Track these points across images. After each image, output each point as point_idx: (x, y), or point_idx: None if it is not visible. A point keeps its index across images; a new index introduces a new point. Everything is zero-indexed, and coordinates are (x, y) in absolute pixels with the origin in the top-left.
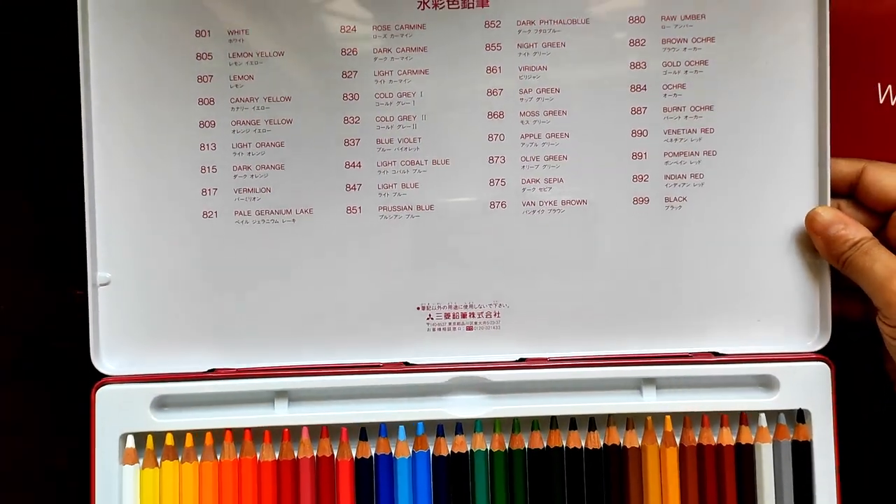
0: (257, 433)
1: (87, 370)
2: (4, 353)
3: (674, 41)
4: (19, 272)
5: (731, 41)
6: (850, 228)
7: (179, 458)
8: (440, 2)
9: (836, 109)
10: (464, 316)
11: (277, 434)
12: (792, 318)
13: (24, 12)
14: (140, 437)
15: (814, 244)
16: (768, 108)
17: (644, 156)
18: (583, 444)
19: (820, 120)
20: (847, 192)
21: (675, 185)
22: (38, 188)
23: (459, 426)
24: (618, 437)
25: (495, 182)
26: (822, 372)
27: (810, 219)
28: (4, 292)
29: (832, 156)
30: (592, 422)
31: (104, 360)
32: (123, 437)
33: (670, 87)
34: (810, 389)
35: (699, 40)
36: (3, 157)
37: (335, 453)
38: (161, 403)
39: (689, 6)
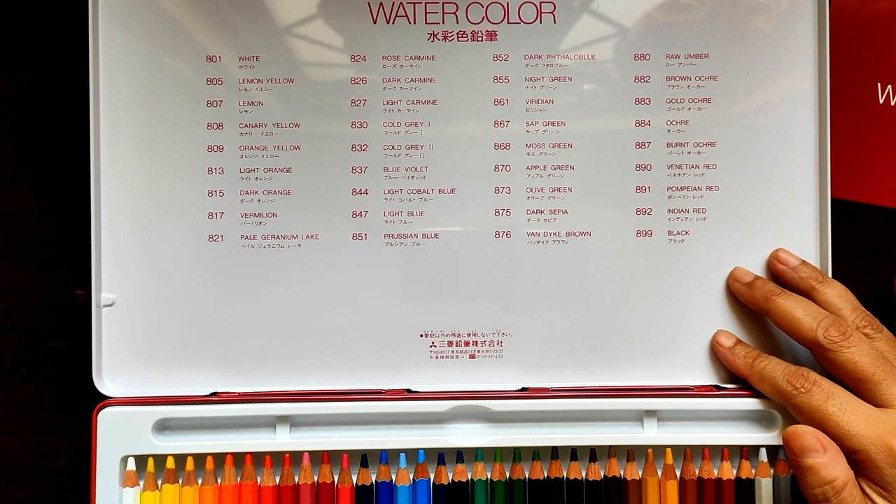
0: (258, 458)
1: (87, 371)
2: (4, 353)
3: (678, 79)
4: (19, 272)
5: (734, 80)
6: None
7: (180, 482)
8: (450, 34)
9: (837, 109)
10: (467, 344)
11: (278, 459)
12: (793, 353)
13: (36, 37)
14: (141, 460)
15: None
16: (770, 145)
17: (648, 189)
18: (583, 476)
19: (821, 156)
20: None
21: (678, 218)
22: (40, 187)
23: (460, 455)
24: (618, 468)
25: (501, 212)
26: None
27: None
28: (4, 292)
29: (832, 163)
30: (593, 453)
31: (106, 381)
32: (124, 460)
33: (674, 122)
34: None
35: (702, 78)
36: (5, 156)
37: (336, 479)
38: (163, 426)
39: (693, 45)
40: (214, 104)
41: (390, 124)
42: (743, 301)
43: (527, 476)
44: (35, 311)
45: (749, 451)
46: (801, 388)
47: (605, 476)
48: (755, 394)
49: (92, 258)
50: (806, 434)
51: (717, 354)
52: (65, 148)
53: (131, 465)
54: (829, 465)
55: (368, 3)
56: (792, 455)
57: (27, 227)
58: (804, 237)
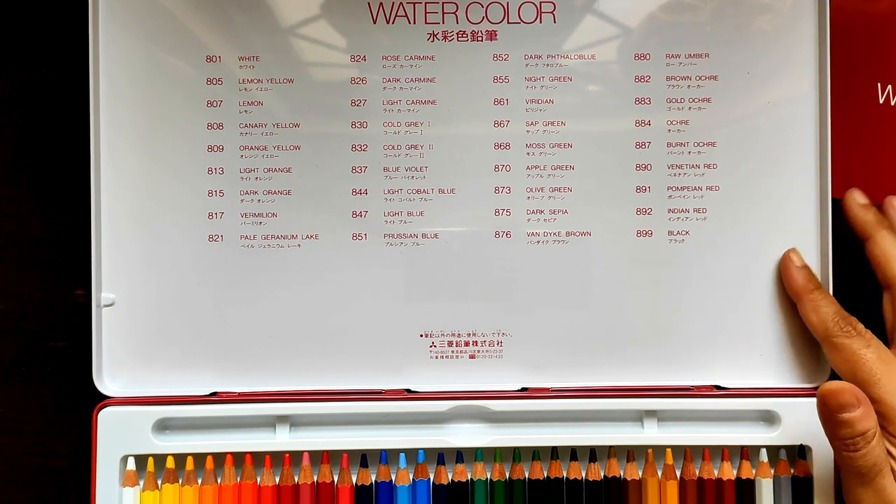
0: (258, 458)
1: (87, 371)
2: (4, 353)
3: (678, 78)
4: (19, 272)
5: (734, 80)
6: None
7: (180, 481)
8: (450, 34)
9: (837, 109)
10: (466, 344)
11: (278, 459)
12: (794, 353)
13: (36, 35)
14: (141, 460)
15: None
16: (770, 145)
17: (648, 189)
18: (583, 476)
19: (821, 156)
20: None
21: (679, 218)
22: (40, 187)
23: (460, 454)
24: (618, 469)
25: (500, 212)
26: None
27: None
28: (4, 292)
29: (832, 163)
30: (593, 453)
31: (107, 381)
32: (124, 459)
33: (674, 122)
34: (811, 425)
35: (703, 78)
36: (5, 156)
37: (335, 479)
38: (163, 426)
39: (693, 45)
40: (214, 104)
41: (390, 124)
42: (849, 217)
43: (526, 476)
44: (35, 311)
45: (749, 452)
46: (848, 332)
47: (604, 476)
48: (755, 394)
49: (92, 258)
50: (844, 391)
51: (782, 267)
52: (65, 148)
53: (131, 464)
54: (864, 418)
55: (368, 3)
56: (827, 410)
57: (27, 227)
58: (804, 237)
